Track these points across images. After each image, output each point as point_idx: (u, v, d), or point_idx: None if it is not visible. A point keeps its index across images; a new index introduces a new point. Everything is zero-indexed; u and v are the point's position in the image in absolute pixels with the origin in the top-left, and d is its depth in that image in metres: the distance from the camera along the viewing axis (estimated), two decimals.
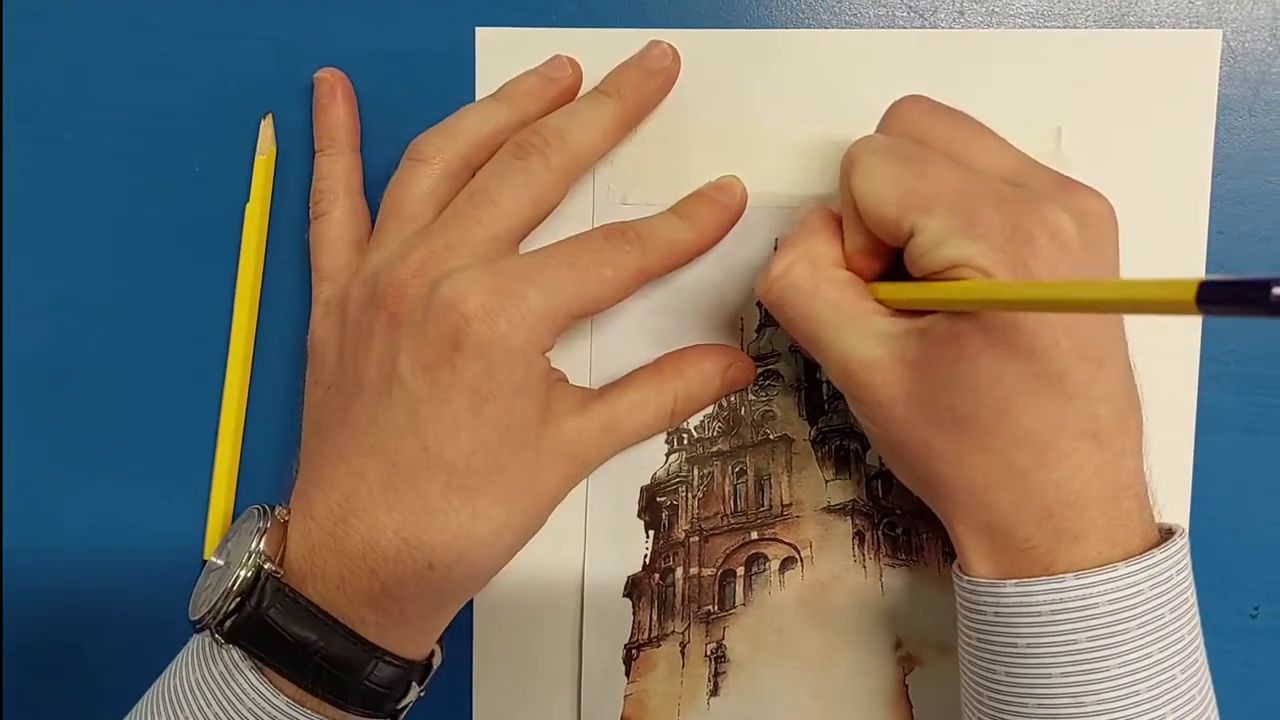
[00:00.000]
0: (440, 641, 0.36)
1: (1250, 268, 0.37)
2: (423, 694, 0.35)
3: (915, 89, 0.37)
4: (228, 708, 0.32)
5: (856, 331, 0.31)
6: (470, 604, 0.39)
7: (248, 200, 0.39)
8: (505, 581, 0.38)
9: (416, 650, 0.34)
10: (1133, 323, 0.37)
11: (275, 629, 0.32)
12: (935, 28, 0.37)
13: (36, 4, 0.39)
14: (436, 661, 0.36)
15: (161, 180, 0.39)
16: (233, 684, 0.32)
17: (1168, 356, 0.37)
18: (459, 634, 0.39)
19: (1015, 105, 0.37)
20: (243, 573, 0.32)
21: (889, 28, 0.37)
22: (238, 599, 0.32)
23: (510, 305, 0.32)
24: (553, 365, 0.34)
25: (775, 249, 0.36)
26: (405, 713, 0.35)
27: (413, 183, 0.35)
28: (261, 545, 0.32)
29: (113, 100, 0.39)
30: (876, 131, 0.34)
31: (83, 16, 0.39)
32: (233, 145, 0.39)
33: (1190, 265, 0.37)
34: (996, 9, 0.37)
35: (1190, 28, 0.37)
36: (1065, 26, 0.37)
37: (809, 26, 0.37)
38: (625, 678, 0.38)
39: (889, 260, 0.33)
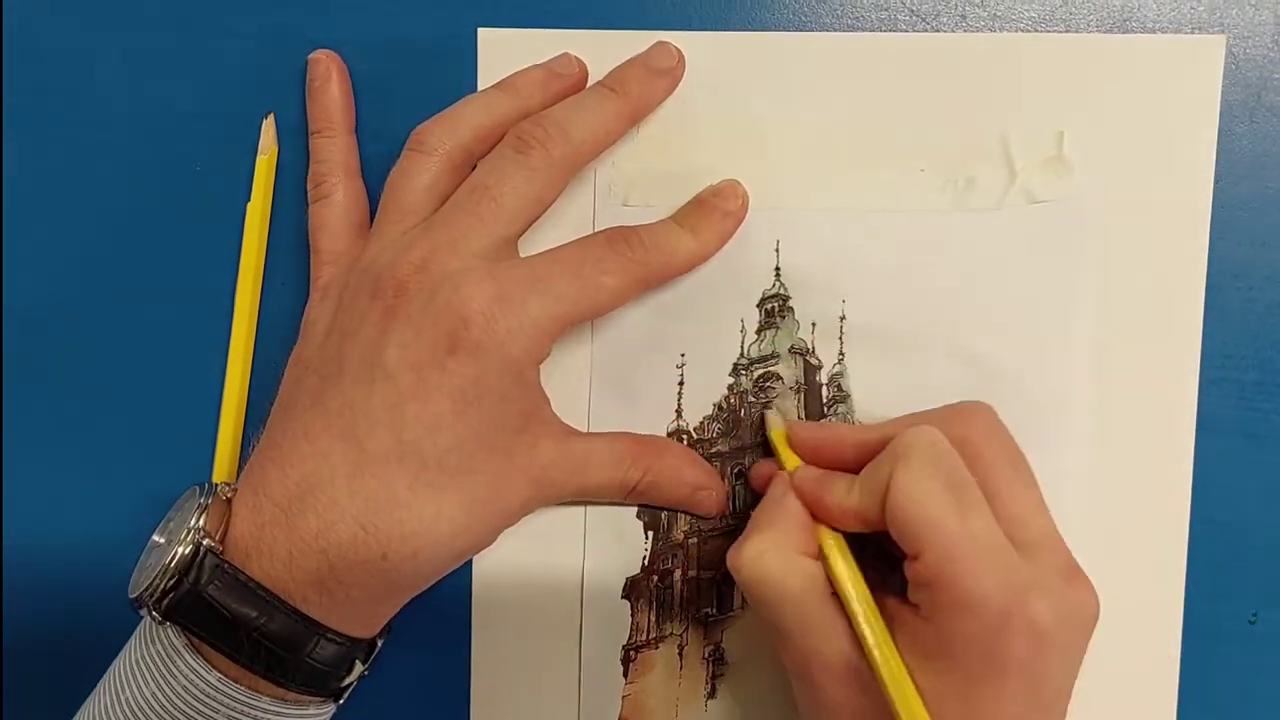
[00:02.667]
0: (387, 626, 0.35)
1: (1250, 274, 0.37)
2: (366, 673, 0.34)
3: (917, 93, 0.37)
4: (164, 687, 0.31)
5: (818, 631, 0.31)
6: (468, 603, 0.39)
7: (248, 199, 0.39)
8: (504, 582, 0.38)
9: (361, 631, 0.34)
10: (1132, 323, 0.37)
11: (213, 605, 0.31)
12: (937, 31, 0.37)
13: (36, 2, 0.39)
14: (381, 642, 0.35)
15: (162, 178, 0.39)
16: (170, 663, 0.32)
17: (1168, 361, 0.37)
18: (457, 634, 0.39)
19: (1017, 109, 0.37)
20: (181, 549, 0.31)
21: (891, 31, 0.37)
22: (175, 576, 0.31)
23: (510, 313, 0.32)
24: (553, 364, 0.34)
25: (748, 523, 0.35)
26: (348, 693, 0.34)
27: (414, 175, 0.35)
28: (201, 522, 0.32)
29: (113, 98, 0.39)
30: (939, 416, 0.33)
31: (82, 14, 0.39)
32: (234, 143, 0.39)
33: (1191, 270, 0.37)
34: (998, 13, 0.37)
35: (1192, 33, 0.37)
36: (1067, 31, 0.37)
37: (811, 29, 0.37)
38: (623, 679, 0.38)
39: (875, 529, 0.32)
